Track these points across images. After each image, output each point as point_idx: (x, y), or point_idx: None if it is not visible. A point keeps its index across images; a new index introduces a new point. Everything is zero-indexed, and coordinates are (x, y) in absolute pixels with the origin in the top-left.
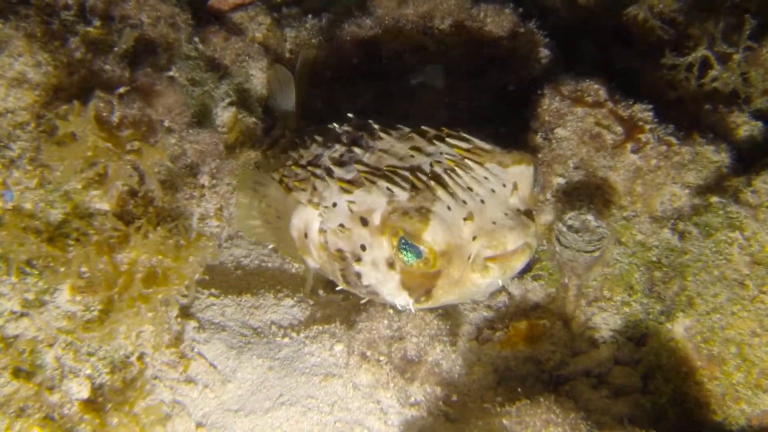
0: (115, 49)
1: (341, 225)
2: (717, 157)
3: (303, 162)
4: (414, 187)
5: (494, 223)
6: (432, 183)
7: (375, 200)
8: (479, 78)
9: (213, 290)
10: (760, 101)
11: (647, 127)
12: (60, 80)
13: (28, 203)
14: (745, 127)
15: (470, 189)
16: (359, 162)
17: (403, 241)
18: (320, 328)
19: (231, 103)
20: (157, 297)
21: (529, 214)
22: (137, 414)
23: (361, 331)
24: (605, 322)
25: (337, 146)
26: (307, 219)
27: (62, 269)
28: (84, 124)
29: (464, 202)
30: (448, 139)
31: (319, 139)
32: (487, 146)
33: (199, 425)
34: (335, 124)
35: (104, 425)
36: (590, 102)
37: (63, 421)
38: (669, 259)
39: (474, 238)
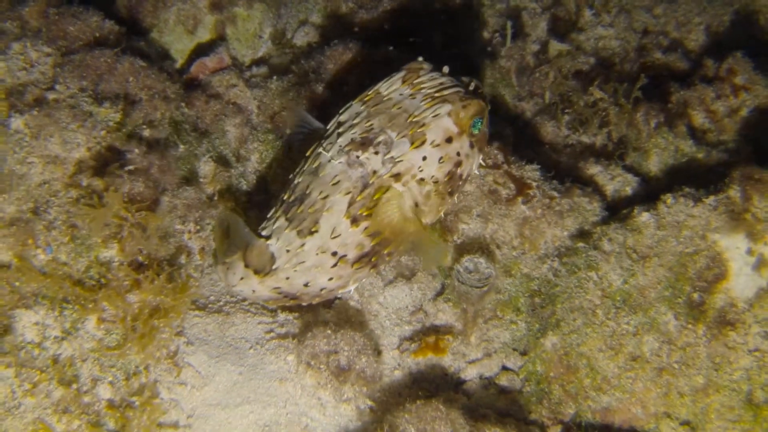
0: (124, 129)
1: (440, 158)
2: (590, 207)
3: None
4: (440, 101)
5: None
6: (436, 94)
7: (441, 124)
8: None
9: (197, 312)
10: (632, 156)
11: (534, 184)
12: (82, 155)
13: (62, 255)
14: (618, 179)
15: (442, 84)
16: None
17: (474, 122)
18: (277, 342)
19: (211, 158)
20: (159, 326)
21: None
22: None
23: (307, 347)
24: (497, 336)
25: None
26: (413, 194)
27: (90, 306)
28: (116, 196)
29: (454, 85)
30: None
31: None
32: (398, 74)
33: (189, 416)
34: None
35: (123, 417)
36: (490, 164)
37: (93, 415)
38: (546, 289)
39: None
